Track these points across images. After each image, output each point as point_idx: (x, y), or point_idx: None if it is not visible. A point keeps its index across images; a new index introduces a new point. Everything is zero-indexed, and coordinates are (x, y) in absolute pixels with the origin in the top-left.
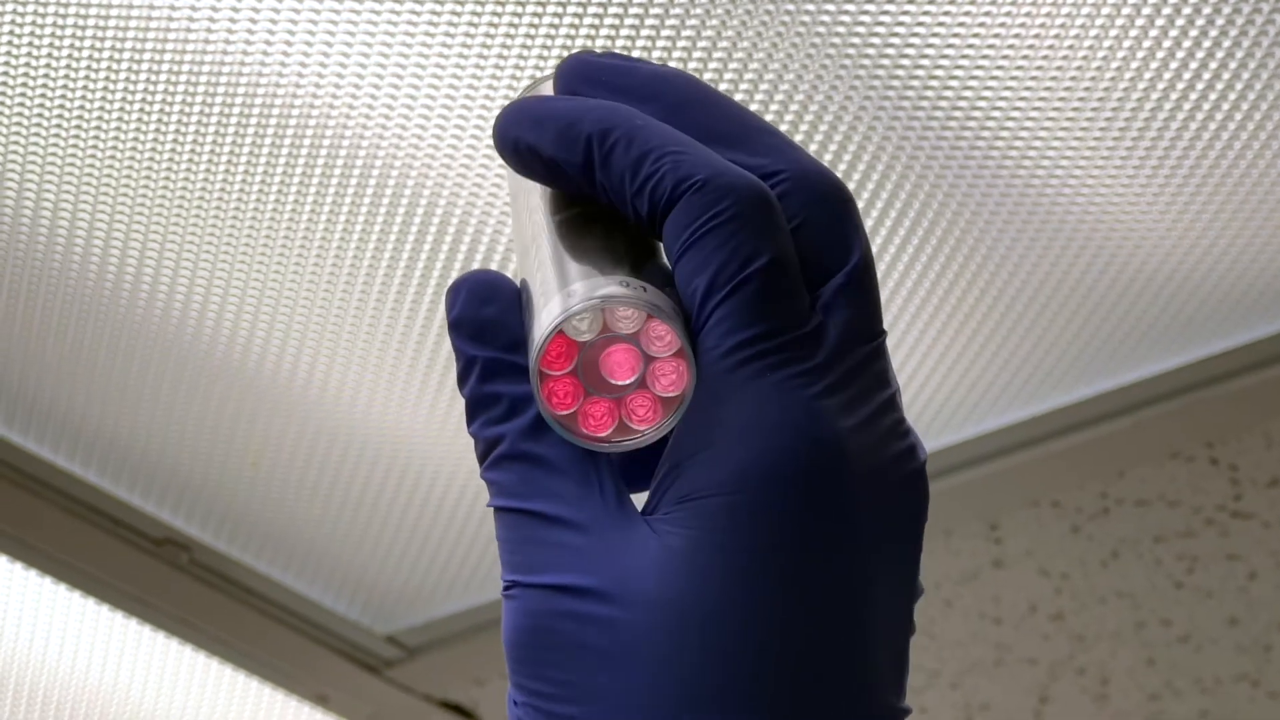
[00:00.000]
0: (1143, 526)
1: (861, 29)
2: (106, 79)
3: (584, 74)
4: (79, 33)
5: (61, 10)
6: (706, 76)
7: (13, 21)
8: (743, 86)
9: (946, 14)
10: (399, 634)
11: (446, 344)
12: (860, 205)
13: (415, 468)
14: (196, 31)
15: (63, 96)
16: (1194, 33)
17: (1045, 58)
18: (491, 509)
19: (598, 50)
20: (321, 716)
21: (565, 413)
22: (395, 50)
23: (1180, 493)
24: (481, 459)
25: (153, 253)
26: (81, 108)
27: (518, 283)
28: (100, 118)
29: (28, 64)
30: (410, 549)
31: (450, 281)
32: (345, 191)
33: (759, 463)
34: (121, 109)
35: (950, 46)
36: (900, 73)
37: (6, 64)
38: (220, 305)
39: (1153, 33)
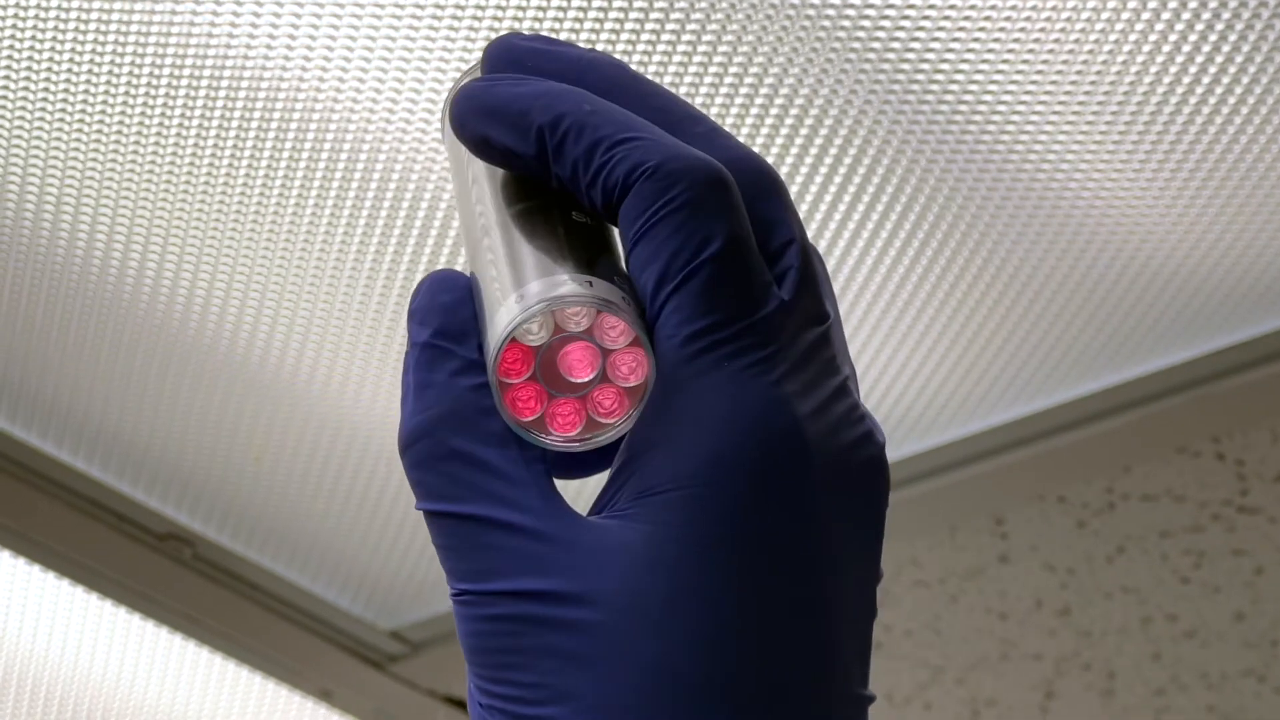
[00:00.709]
0: (1149, 522)
1: (867, 21)
2: (109, 78)
3: (510, 58)
4: (81, 29)
5: (64, 6)
6: (707, 76)
7: (15, 17)
8: (747, 81)
9: (953, 6)
10: (403, 629)
11: None
12: (866, 199)
13: None
14: (199, 26)
15: (65, 93)
16: (1200, 26)
17: (1052, 52)
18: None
19: (525, 32)
20: (325, 712)
21: (531, 418)
22: (396, 47)
23: (1187, 488)
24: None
25: (155, 248)
26: (84, 105)
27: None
28: (103, 114)
29: (30, 63)
30: (414, 544)
31: None
32: (348, 187)
33: (719, 455)
34: (125, 106)
35: (956, 40)
36: (906, 65)
37: (9, 62)
38: (223, 300)
39: (1159, 26)
